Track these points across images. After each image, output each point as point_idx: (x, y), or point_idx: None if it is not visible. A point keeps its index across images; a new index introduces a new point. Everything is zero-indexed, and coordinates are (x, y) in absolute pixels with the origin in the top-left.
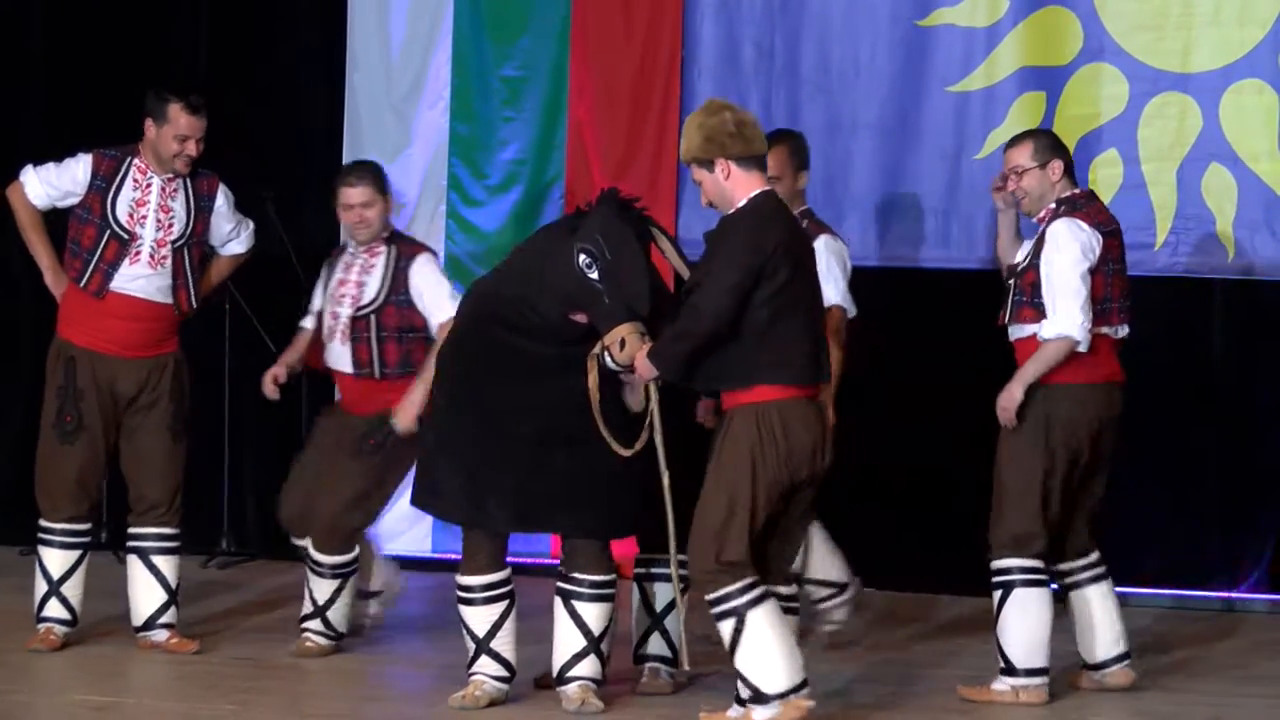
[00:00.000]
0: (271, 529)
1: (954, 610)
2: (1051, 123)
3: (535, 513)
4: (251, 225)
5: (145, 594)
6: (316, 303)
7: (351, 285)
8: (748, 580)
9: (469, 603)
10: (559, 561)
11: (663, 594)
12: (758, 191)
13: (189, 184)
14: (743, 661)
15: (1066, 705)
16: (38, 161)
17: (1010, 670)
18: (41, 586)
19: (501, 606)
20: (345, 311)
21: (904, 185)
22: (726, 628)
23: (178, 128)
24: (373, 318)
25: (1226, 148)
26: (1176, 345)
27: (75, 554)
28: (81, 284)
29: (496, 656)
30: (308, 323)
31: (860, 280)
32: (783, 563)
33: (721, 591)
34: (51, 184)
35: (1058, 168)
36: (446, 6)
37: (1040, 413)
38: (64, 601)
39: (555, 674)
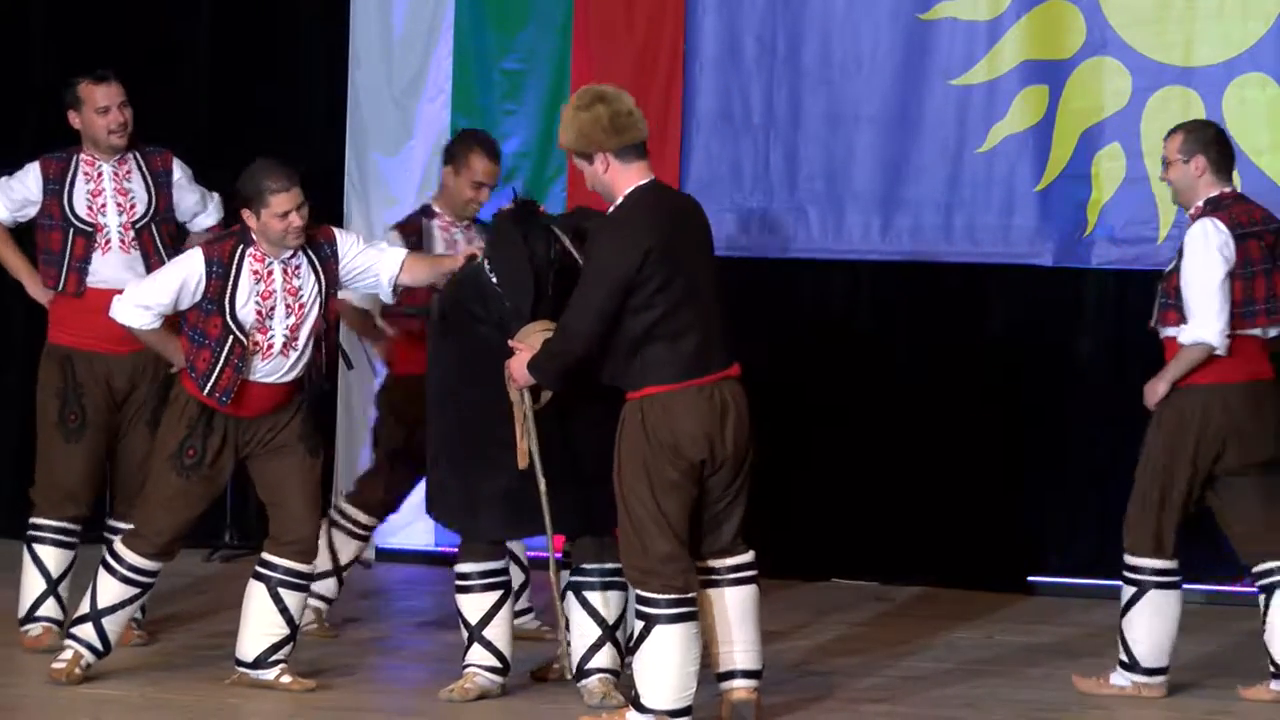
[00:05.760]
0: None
1: (949, 604)
2: (1054, 116)
3: (524, 517)
4: (217, 197)
5: None
6: None
7: None
8: (675, 595)
9: (465, 590)
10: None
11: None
12: (637, 185)
13: (142, 162)
14: (638, 663)
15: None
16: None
17: (1133, 666)
18: (39, 585)
19: (496, 595)
20: None
21: (906, 179)
22: (637, 626)
23: (94, 102)
24: None
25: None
26: None
27: (70, 553)
28: (59, 288)
29: (489, 646)
30: None
31: (862, 273)
32: (722, 540)
33: (647, 594)
34: (9, 198)
35: (1200, 163)
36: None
37: (1176, 413)
38: (59, 600)
39: (575, 668)
